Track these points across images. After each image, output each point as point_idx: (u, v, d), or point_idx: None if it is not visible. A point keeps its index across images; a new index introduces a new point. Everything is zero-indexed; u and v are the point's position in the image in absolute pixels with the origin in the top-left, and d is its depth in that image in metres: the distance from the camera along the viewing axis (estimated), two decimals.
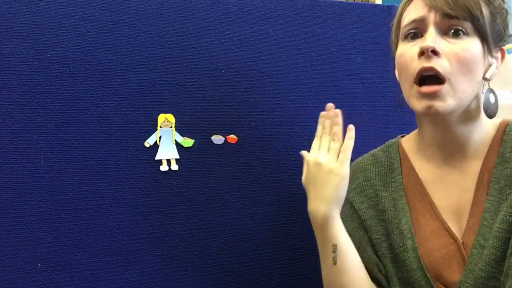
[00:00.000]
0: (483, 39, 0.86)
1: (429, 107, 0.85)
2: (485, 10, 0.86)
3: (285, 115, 1.18)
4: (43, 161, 0.99)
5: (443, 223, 0.91)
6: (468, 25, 0.85)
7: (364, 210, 1.00)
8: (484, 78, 0.88)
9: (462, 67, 0.84)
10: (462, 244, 0.88)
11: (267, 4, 1.18)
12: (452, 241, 0.89)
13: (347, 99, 1.24)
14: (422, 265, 0.90)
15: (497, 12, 0.88)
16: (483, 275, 0.84)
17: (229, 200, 1.12)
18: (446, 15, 0.85)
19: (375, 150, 1.06)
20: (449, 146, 0.92)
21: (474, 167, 0.91)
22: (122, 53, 1.06)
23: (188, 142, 1.10)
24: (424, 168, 0.96)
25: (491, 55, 0.89)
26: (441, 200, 0.93)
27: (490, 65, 0.89)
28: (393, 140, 1.05)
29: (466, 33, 0.85)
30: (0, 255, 0.95)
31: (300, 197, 1.12)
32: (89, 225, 1.01)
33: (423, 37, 0.87)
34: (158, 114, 1.08)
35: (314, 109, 1.20)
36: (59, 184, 1.00)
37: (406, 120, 1.29)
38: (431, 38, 0.85)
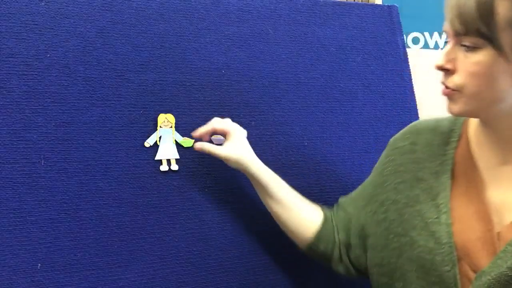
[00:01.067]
0: (500, 48, 0.82)
1: (448, 107, 0.89)
2: (503, 11, 0.81)
3: (285, 115, 1.18)
4: (43, 161, 0.99)
5: (485, 208, 0.90)
6: (476, 40, 0.83)
7: (401, 173, 1.00)
8: None
9: (474, 81, 0.84)
10: (498, 236, 0.87)
11: (267, 4, 1.18)
12: (489, 227, 0.88)
13: (347, 99, 1.24)
14: (452, 241, 0.89)
15: None
16: (510, 274, 0.83)
17: (229, 200, 1.12)
18: (456, 31, 0.84)
19: (445, 117, 1.03)
20: (504, 143, 0.91)
21: None
22: (122, 53, 1.06)
23: (188, 142, 1.10)
24: (482, 152, 0.94)
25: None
26: (491, 188, 0.91)
27: None
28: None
29: (477, 47, 0.83)
30: (0, 255, 0.95)
31: None
32: (89, 225, 1.01)
33: None
34: (158, 114, 1.08)
35: (314, 109, 1.21)
36: (59, 184, 1.00)
37: (406, 120, 1.29)
38: (443, 55, 0.86)
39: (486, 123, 0.92)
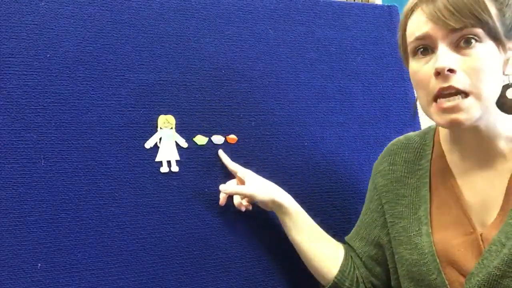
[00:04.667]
0: (496, 39, 0.83)
1: (454, 121, 0.83)
2: (492, 8, 0.83)
3: (285, 115, 1.18)
4: (43, 161, 0.99)
5: (464, 213, 0.91)
6: (478, 31, 0.82)
7: (385, 193, 1.02)
8: (505, 75, 0.86)
9: (481, 76, 0.82)
10: (481, 237, 0.88)
11: (267, 4, 1.18)
12: (471, 230, 0.89)
13: (347, 99, 1.24)
14: (433, 250, 0.91)
15: (506, 5, 0.84)
16: (498, 273, 0.83)
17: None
18: (454, 29, 0.81)
19: (414, 133, 1.06)
20: (478, 146, 0.91)
21: (507, 166, 0.89)
22: (122, 53, 1.06)
23: (201, 139, 1.10)
24: (456, 159, 0.95)
25: (505, 50, 0.85)
26: (468, 192, 0.92)
27: (507, 59, 0.86)
28: (433, 125, 1.03)
29: (478, 40, 0.82)
30: (0, 255, 0.95)
31: (300, 197, 1.12)
32: (89, 225, 1.01)
33: (435, 54, 0.84)
34: (158, 114, 1.08)
35: (314, 109, 1.21)
36: (59, 184, 1.00)
37: (406, 120, 1.29)
38: (444, 56, 0.82)
39: (466, 129, 0.88)
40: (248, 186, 1.07)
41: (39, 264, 0.97)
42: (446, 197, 0.94)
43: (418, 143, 1.02)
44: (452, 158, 0.96)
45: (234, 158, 1.12)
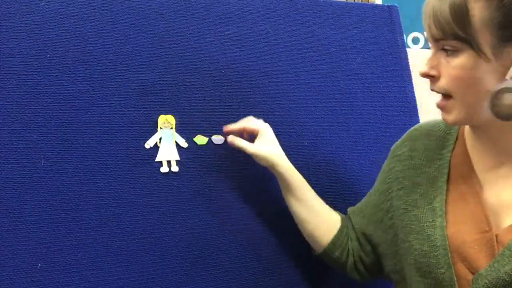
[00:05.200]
0: (478, 49, 0.82)
1: (443, 119, 0.90)
2: (477, 12, 0.80)
3: (285, 115, 1.18)
4: (43, 161, 0.99)
5: (482, 210, 0.90)
6: (454, 43, 0.83)
7: (401, 179, 1.01)
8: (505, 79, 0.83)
9: (459, 84, 0.85)
10: (496, 238, 0.87)
11: (267, 4, 1.18)
12: (487, 229, 0.88)
13: (347, 99, 1.24)
14: (446, 244, 0.90)
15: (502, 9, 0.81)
16: (508, 279, 0.83)
17: (229, 200, 1.12)
18: (434, 37, 0.86)
19: (440, 120, 0.99)
20: (495, 146, 0.91)
21: None
22: (122, 53, 1.06)
23: (202, 140, 1.10)
24: (478, 156, 0.94)
25: (502, 54, 0.82)
26: (489, 190, 0.92)
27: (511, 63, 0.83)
28: None
29: (456, 50, 0.84)
30: (0, 255, 0.95)
31: None
32: (89, 225, 1.01)
33: None
34: (158, 114, 1.08)
35: (314, 109, 1.21)
36: (59, 184, 1.00)
37: (406, 120, 1.29)
38: (428, 61, 0.88)
39: (480, 127, 0.92)
40: (253, 145, 1.09)
41: (39, 264, 0.97)
42: (465, 191, 0.93)
43: (443, 131, 1.00)
44: (475, 154, 0.95)
45: (234, 158, 1.12)
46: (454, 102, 0.86)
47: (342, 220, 1.11)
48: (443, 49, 0.86)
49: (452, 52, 0.84)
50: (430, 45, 0.88)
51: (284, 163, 1.09)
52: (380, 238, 1.04)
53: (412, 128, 1.07)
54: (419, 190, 0.98)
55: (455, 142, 0.98)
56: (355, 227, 1.08)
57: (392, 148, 1.08)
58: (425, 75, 0.88)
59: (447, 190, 0.95)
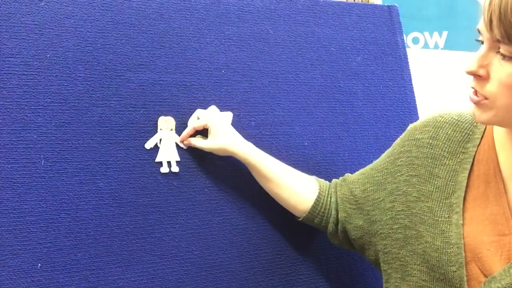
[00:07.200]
0: None
1: (475, 115, 0.84)
2: None
3: (285, 115, 1.18)
4: (43, 161, 0.99)
5: (504, 212, 0.86)
6: (508, 48, 0.75)
7: (416, 166, 0.96)
8: None
9: (509, 92, 0.78)
10: None
11: (267, 4, 1.18)
12: (506, 232, 0.84)
13: (347, 99, 1.24)
14: (461, 242, 0.86)
15: None
16: None
17: (229, 200, 1.12)
18: (493, 36, 0.76)
19: (468, 111, 0.96)
20: None
21: None
22: (122, 53, 1.06)
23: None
24: (508, 156, 0.89)
25: None
26: None
27: None
28: None
29: (507, 55, 0.76)
30: (0, 255, 0.95)
31: None
32: (89, 225, 1.01)
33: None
34: (158, 115, 1.08)
35: (314, 109, 1.21)
36: (59, 184, 1.00)
37: (406, 120, 1.29)
38: (475, 59, 0.79)
39: (504, 129, 0.87)
40: (206, 142, 1.08)
41: (39, 264, 0.97)
42: (487, 190, 0.88)
43: (469, 123, 0.94)
44: (503, 153, 0.89)
45: (234, 158, 1.12)
46: (493, 104, 0.80)
47: (322, 186, 1.09)
48: (498, 52, 0.77)
49: (510, 58, 0.76)
50: (481, 38, 0.79)
51: (242, 148, 1.08)
52: (377, 216, 1.00)
53: (437, 114, 0.98)
54: (436, 182, 0.93)
55: (482, 137, 0.92)
56: (351, 198, 1.05)
57: (411, 129, 1.01)
58: (472, 73, 0.80)
59: (467, 186, 0.90)
